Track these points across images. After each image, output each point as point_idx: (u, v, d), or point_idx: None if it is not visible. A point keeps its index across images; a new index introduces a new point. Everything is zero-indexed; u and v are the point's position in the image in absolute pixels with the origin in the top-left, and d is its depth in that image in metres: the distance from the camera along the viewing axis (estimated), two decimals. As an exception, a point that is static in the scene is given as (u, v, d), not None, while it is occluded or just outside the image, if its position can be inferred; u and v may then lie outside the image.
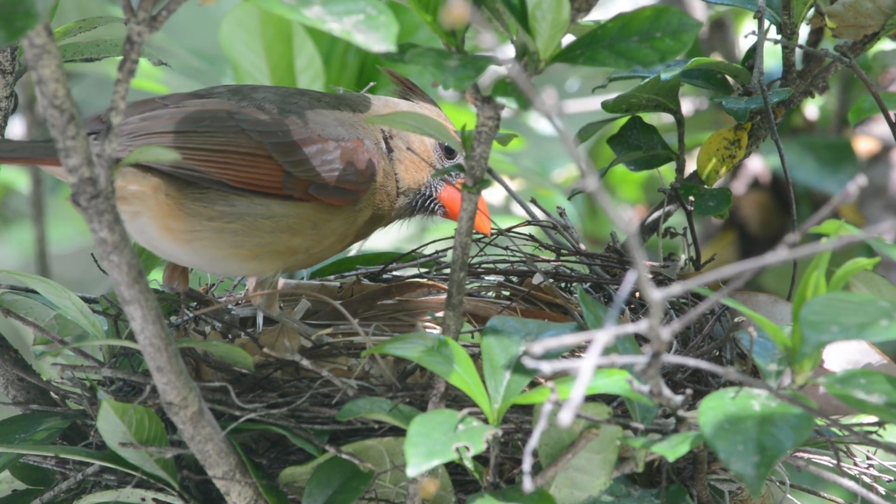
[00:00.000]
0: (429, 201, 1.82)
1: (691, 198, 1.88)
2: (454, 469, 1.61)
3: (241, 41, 2.46)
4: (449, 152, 1.82)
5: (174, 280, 1.78)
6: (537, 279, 1.89)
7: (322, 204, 1.70)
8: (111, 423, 1.61)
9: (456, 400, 1.59)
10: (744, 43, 2.72)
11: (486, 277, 1.96)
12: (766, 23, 1.88)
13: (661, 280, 1.84)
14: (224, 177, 1.66)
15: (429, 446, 1.46)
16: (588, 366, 1.29)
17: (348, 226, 1.73)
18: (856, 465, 1.75)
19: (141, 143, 1.64)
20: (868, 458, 1.76)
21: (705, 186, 1.91)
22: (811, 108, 2.83)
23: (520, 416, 1.60)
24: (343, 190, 1.71)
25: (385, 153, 1.77)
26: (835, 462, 1.68)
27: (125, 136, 1.65)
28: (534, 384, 1.59)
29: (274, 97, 1.72)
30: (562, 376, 1.52)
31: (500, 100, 1.47)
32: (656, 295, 1.31)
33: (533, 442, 1.40)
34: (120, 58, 1.45)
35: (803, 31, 1.92)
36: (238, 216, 1.67)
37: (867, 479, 1.74)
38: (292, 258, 1.71)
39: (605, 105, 1.91)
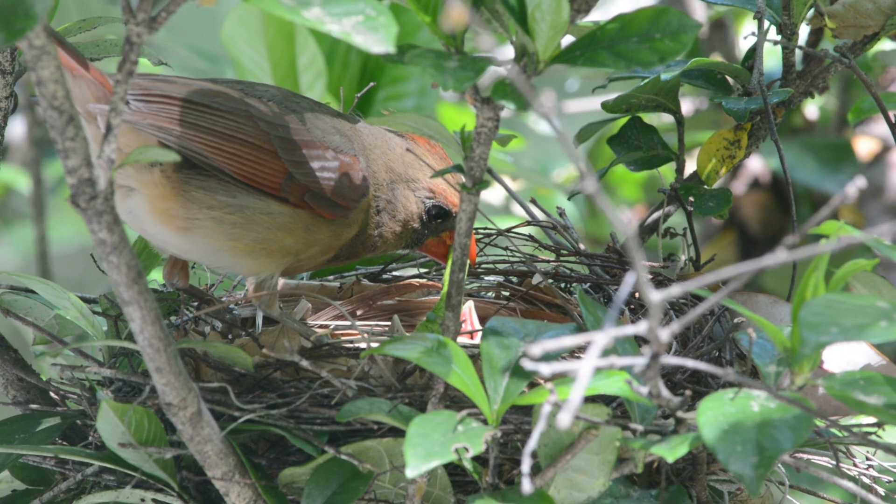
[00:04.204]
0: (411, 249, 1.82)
1: (691, 198, 1.88)
2: (453, 470, 1.61)
3: (243, 40, 2.46)
4: (437, 217, 1.80)
5: (174, 276, 1.77)
6: (537, 279, 1.89)
7: (314, 212, 1.69)
8: (110, 424, 1.61)
9: (455, 401, 1.59)
10: (744, 43, 2.72)
11: (486, 278, 1.96)
12: (766, 23, 1.88)
13: (660, 281, 1.84)
14: (228, 167, 1.65)
15: (428, 447, 1.46)
16: (587, 367, 1.29)
17: (334, 239, 1.72)
18: (855, 465, 1.75)
19: (155, 105, 1.63)
20: (867, 458, 1.76)
21: (705, 187, 1.91)
22: (811, 109, 2.83)
23: (519, 417, 1.60)
24: (335, 204, 1.70)
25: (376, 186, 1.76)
26: (834, 463, 1.68)
27: (139, 92, 1.63)
28: (533, 385, 1.59)
29: (276, 93, 1.72)
30: (561, 377, 1.52)
31: (500, 101, 1.47)
32: (656, 296, 1.31)
33: (532, 443, 1.40)
34: (120, 57, 1.45)
35: (803, 32, 1.91)
36: (238, 208, 1.66)
37: (866, 480, 1.74)
38: (283, 259, 1.70)
39: (604, 105, 1.91)
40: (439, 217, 1.79)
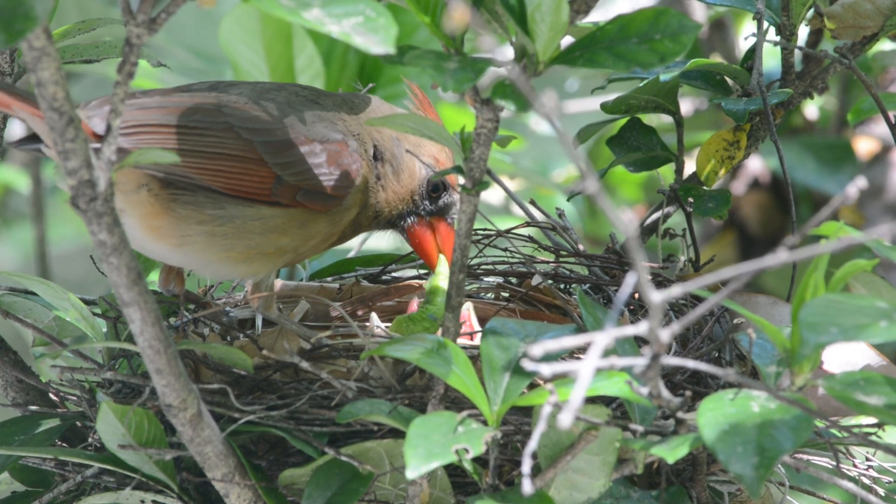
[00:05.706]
0: (398, 227, 1.80)
1: (690, 199, 1.88)
2: (453, 471, 1.61)
3: (240, 41, 2.46)
4: (435, 190, 1.79)
5: (170, 282, 1.77)
6: (536, 280, 1.89)
7: (307, 208, 1.69)
8: (110, 425, 1.61)
9: (455, 402, 1.59)
10: (743, 44, 2.73)
11: (486, 279, 1.95)
12: (766, 24, 1.88)
13: (660, 281, 1.84)
14: (216, 184, 1.64)
15: (428, 448, 1.46)
16: (588, 368, 1.29)
17: (333, 227, 1.71)
18: (855, 466, 1.75)
19: (134, 138, 1.63)
20: (867, 459, 1.76)
21: (704, 187, 1.92)
22: (811, 109, 2.83)
23: (519, 418, 1.60)
24: (328, 196, 1.69)
25: (370, 158, 1.75)
26: (834, 463, 1.68)
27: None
28: (533, 386, 1.59)
29: (251, 93, 1.69)
30: (561, 378, 1.52)
31: (500, 102, 1.47)
32: (656, 297, 1.31)
33: (532, 444, 1.40)
34: (119, 59, 1.45)
35: (802, 33, 1.92)
36: (228, 219, 1.66)
37: (866, 481, 1.75)
38: (281, 259, 1.70)
39: (604, 106, 1.91)
40: (436, 190, 1.79)
